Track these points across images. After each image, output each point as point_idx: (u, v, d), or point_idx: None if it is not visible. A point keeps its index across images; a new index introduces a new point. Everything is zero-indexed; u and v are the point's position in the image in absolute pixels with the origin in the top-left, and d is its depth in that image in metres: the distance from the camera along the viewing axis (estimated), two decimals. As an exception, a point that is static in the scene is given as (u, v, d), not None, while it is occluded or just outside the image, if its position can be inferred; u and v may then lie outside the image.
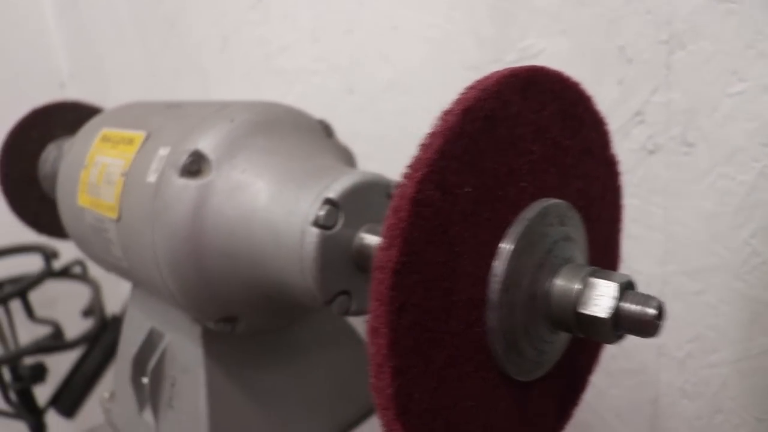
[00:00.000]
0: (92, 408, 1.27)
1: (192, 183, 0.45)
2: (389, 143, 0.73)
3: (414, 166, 0.27)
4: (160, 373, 0.56)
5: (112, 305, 1.30)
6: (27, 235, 1.37)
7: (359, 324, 0.61)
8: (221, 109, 0.49)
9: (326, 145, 0.51)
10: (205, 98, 0.99)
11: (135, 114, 0.58)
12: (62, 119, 0.85)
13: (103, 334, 1.26)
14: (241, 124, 0.47)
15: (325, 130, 0.53)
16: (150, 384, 0.56)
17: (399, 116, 0.73)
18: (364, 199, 0.42)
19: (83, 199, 0.56)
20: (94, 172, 0.55)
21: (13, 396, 1.12)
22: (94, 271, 1.34)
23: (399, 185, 0.27)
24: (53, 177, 0.81)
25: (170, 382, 0.56)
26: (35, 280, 1.12)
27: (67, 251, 1.29)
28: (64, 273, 1.28)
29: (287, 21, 0.82)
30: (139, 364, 0.58)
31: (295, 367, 0.57)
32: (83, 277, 1.28)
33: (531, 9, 0.61)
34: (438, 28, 0.67)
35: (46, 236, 0.87)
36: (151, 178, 0.47)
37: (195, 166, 0.46)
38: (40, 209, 0.84)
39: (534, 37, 0.61)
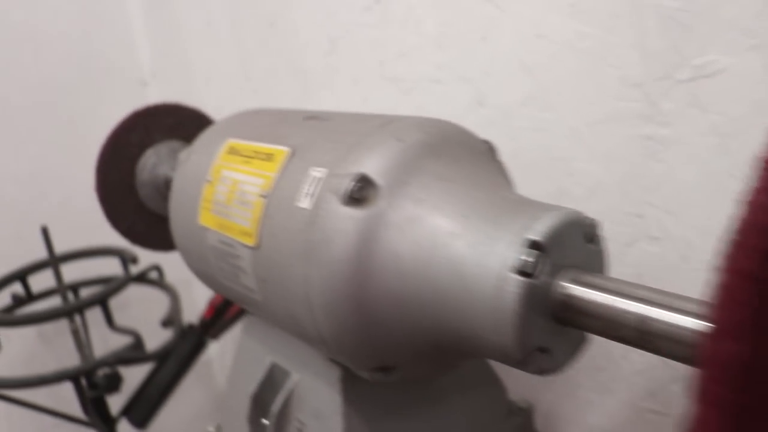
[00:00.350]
0: (164, 419, 1.23)
1: (358, 213, 0.38)
2: (524, 163, 0.65)
3: (748, 233, 0.20)
4: (285, 416, 0.50)
5: (187, 314, 1.25)
6: (97, 236, 1.34)
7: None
8: (383, 125, 0.42)
9: (496, 170, 0.44)
10: (306, 103, 0.93)
11: (266, 124, 0.52)
12: (162, 123, 0.80)
13: (179, 345, 1.21)
14: (412, 144, 0.41)
15: (491, 151, 0.46)
16: (273, 427, 0.50)
17: (537, 134, 0.65)
18: (566, 241, 0.35)
19: (206, 219, 0.50)
20: (221, 189, 0.49)
21: (87, 404, 1.08)
22: (170, 276, 1.30)
23: (729, 256, 0.20)
24: (151, 185, 0.76)
25: (297, 426, 0.50)
26: (117, 286, 1.08)
27: (143, 256, 1.25)
28: (141, 278, 1.24)
29: (408, 25, 0.75)
30: (259, 404, 0.52)
31: (435, 413, 0.50)
32: (160, 284, 1.24)
33: (714, 20, 0.53)
34: (593, 38, 0.60)
35: (139, 247, 0.82)
36: (304, 203, 0.41)
37: (361, 192, 0.39)
38: (136, 218, 0.79)
39: (715, 53, 0.53)
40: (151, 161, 0.79)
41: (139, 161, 0.78)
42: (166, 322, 1.11)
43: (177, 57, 1.33)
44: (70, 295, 1.24)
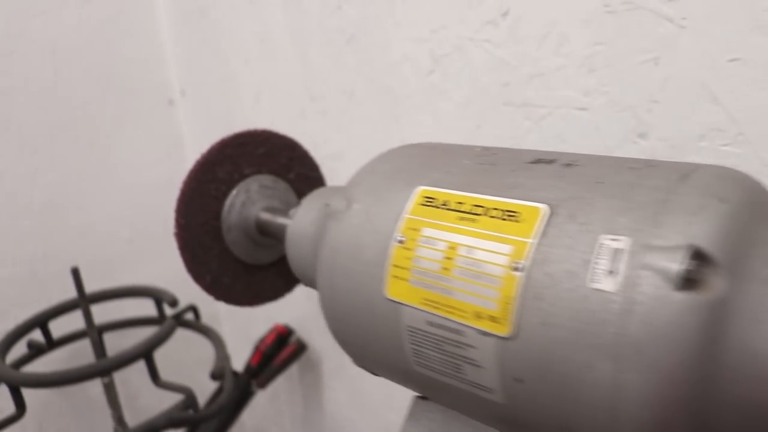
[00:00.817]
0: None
1: (698, 300, 0.28)
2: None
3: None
4: None
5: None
6: (121, 274, 1.20)
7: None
8: (684, 177, 0.32)
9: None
10: (396, 127, 0.82)
11: (468, 169, 0.41)
12: (252, 154, 0.68)
13: (220, 394, 1.09)
14: (739, 205, 0.31)
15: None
16: None
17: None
18: None
19: (400, 291, 0.39)
20: (428, 254, 0.38)
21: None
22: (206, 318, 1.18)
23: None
24: (240, 228, 0.65)
25: None
26: (163, 336, 0.95)
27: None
28: (181, 322, 1.11)
29: (548, 43, 0.65)
30: None
31: None
32: (200, 328, 1.11)
33: None
34: (813, 61, 0.50)
35: (222, 302, 0.69)
36: (604, 284, 0.30)
37: (698, 272, 0.29)
38: (221, 268, 0.67)
39: None
40: (240, 200, 0.67)
41: (226, 200, 0.66)
42: (217, 375, 0.98)
43: (213, 73, 1.21)
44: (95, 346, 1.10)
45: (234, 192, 0.67)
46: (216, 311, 1.50)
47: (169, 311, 1.15)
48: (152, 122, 1.31)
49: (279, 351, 1.19)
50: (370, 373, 0.49)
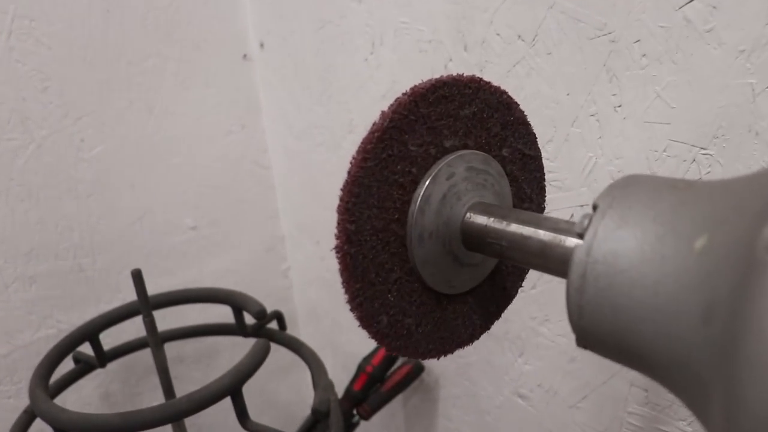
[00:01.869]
0: None
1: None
2: None
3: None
4: None
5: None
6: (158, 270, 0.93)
7: None
8: None
9: None
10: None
11: None
12: (457, 115, 0.41)
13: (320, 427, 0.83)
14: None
15: None
16: None
17: None
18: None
19: None
20: None
21: None
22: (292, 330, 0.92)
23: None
24: (441, 238, 0.38)
25: None
26: (254, 365, 0.69)
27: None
28: (271, 336, 0.86)
29: None
30: None
31: None
32: (293, 344, 0.85)
33: None
34: None
35: (401, 356, 0.43)
36: None
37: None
38: (402, 302, 0.40)
39: None
40: (440, 190, 0.40)
41: (418, 191, 0.40)
42: (321, 414, 0.72)
43: (305, 17, 0.93)
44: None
45: (430, 178, 0.40)
46: (292, 312, 1.25)
47: (248, 318, 0.89)
48: (222, 82, 1.05)
49: (388, 373, 0.93)
50: None
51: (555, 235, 0.37)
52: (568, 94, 0.65)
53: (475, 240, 0.41)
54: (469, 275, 0.44)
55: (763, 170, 0.30)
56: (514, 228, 0.39)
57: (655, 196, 0.31)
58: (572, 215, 0.68)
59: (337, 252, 0.38)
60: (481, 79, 0.42)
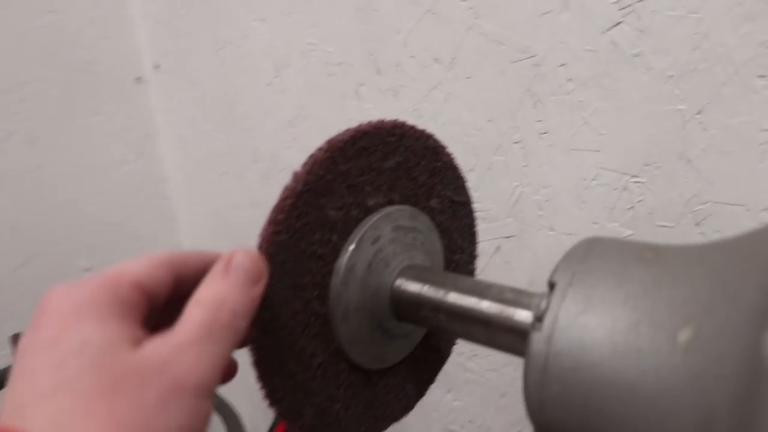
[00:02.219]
0: None
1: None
2: None
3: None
4: None
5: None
6: None
7: None
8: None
9: None
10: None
11: None
12: (381, 168, 0.36)
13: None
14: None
15: None
16: None
17: None
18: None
19: None
20: None
21: None
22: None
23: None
24: (367, 311, 0.33)
25: None
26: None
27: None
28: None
29: None
30: None
31: None
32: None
33: None
34: None
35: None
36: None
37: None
38: (329, 389, 0.35)
39: None
40: (365, 257, 0.35)
41: (340, 261, 0.34)
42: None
43: (205, 36, 0.86)
44: None
45: (353, 245, 0.34)
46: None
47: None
48: (113, 108, 0.95)
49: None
50: None
51: (502, 307, 0.32)
52: (490, 121, 0.61)
53: (408, 311, 0.36)
54: (401, 346, 0.39)
55: (737, 239, 0.26)
56: (453, 298, 0.34)
57: (621, 272, 0.26)
58: (498, 247, 0.64)
59: (251, 347, 0.32)
60: (404, 124, 0.37)
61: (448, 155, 0.41)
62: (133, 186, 1.01)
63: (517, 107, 0.58)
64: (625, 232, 0.55)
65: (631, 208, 0.54)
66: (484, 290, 0.33)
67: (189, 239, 1.08)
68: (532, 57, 0.56)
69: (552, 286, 0.28)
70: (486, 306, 0.32)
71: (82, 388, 0.23)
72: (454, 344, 0.45)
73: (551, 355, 0.26)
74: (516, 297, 0.32)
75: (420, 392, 0.43)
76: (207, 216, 1.02)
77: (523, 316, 0.31)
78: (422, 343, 0.41)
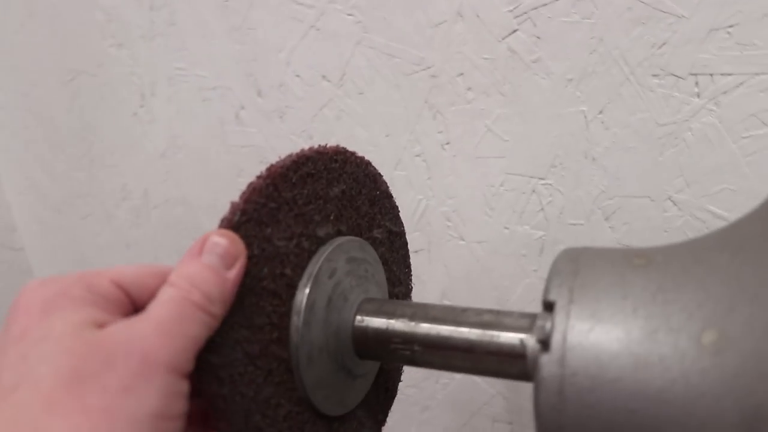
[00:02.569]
0: None
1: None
2: None
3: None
4: None
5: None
6: None
7: None
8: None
9: None
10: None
11: None
12: (323, 197, 0.33)
13: None
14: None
15: None
16: None
17: None
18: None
19: None
20: None
21: None
22: None
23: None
24: (332, 351, 0.31)
25: None
26: None
27: None
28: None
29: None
30: None
31: None
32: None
33: None
34: None
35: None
36: None
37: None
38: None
39: None
40: (323, 295, 0.32)
41: (297, 298, 0.31)
42: None
43: (36, 72, 0.78)
44: None
45: (311, 280, 0.31)
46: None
47: None
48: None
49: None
50: None
51: (482, 331, 0.30)
52: (387, 136, 0.59)
53: (374, 348, 0.33)
54: (361, 387, 0.36)
55: (722, 233, 0.27)
56: (427, 329, 0.32)
57: (620, 282, 0.26)
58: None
59: (204, 395, 0.28)
60: (346, 150, 0.35)
61: (385, 183, 0.39)
62: (-23, 240, 0.89)
63: (415, 120, 0.58)
64: (536, 234, 0.56)
65: (541, 209, 0.55)
66: (458, 315, 0.31)
67: (49, 292, 0.97)
68: (427, 68, 0.55)
69: (550, 305, 0.26)
70: (465, 332, 0.31)
71: (42, 379, 0.21)
72: (399, 381, 0.43)
73: (566, 377, 0.25)
74: (494, 318, 0.30)
75: (380, 424, 0.40)
76: (70, 263, 0.92)
77: (509, 337, 0.29)
78: (374, 383, 0.39)
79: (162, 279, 0.26)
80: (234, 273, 0.27)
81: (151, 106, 0.74)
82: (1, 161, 0.91)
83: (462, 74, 0.54)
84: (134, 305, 0.26)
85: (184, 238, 0.76)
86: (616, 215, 0.52)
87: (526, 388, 0.62)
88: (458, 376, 0.65)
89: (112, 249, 0.85)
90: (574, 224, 0.54)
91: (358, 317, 0.34)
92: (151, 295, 0.26)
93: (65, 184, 0.86)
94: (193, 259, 0.26)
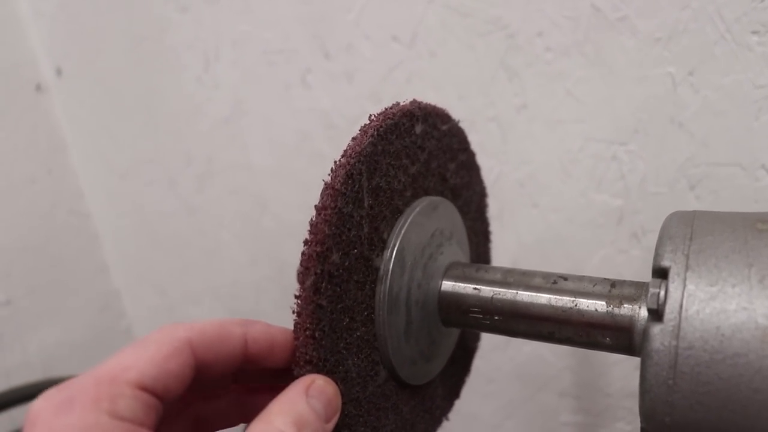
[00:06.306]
0: None
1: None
2: None
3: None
4: None
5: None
6: None
7: None
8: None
9: None
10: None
11: None
12: (405, 163, 0.32)
13: None
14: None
15: None
16: None
17: None
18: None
19: None
20: None
21: None
22: None
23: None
24: (425, 324, 0.29)
25: None
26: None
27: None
28: None
29: None
30: None
31: None
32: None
33: None
34: None
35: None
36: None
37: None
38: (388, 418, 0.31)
39: None
40: (404, 279, 0.31)
41: (379, 285, 0.30)
42: None
43: (117, 33, 0.78)
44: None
45: (391, 251, 0.30)
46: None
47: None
48: (12, 122, 0.85)
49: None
50: None
51: (589, 301, 0.29)
52: (460, 99, 0.58)
53: (460, 316, 0.32)
54: (443, 356, 0.35)
55: None
56: (527, 298, 0.30)
57: (743, 248, 0.24)
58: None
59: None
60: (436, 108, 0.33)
61: (464, 134, 0.37)
62: (46, 205, 0.91)
63: (489, 82, 0.55)
64: (614, 203, 0.53)
65: (621, 177, 0.52)
66: (558, 283, 0.30)
67: (115, 255, 0.99)
68: (504, 28, 0.53)
69: (662, 272, 0.25)
70: (562, 300, 0.29)
71: None
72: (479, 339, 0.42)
73: (681, 349, 0.23)
74: (597, 287, 0.29)
75: (455, 396, 0.39)
76: (134, 229, 0.93)
77: (627, 309, 0.28)
78: (451, 357, 0.38)
79: (190, 356, 0.24)
80: (330, 427, 0.25)
81: (215, 71, 0.73)
82: (67, 129, 0.92)
83: (541, 34, 0.52)
84: (163, 405, 0.23)
85: (247, 204, 0.76)
86: (702, 184, 0.49)
87: (596, 362, 0.61)
88: (526, 349, 0.64)
89: (175, 216, 0.86)
90: (656, 193, 0.51)
91: (447, 284, 0.32)
92: (184, 384, 0.24)
93: (130, 150, 0.87)
94: (301, 399, 0.24)
